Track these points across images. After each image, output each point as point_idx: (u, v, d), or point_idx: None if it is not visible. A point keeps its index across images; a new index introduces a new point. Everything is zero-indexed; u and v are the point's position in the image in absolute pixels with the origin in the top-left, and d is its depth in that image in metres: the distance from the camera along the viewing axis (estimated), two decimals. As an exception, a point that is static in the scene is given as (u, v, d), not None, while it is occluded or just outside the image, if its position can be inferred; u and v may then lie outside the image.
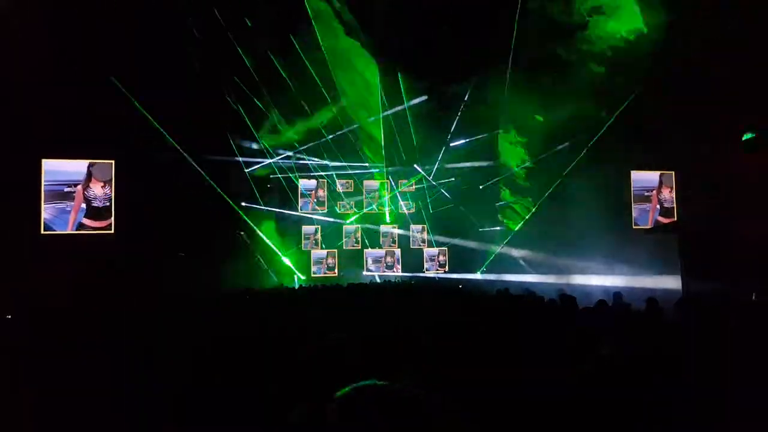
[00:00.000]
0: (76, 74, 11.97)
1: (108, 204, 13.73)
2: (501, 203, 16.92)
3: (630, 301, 7.25)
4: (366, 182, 17.19)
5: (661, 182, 16.76)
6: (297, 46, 14.94)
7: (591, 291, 11.29)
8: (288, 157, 15.97)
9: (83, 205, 13.57)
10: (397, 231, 17.14)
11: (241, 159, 14.96)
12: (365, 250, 17.04)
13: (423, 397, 1.13)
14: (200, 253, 13.43)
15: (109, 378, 3.44)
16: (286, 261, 15.80)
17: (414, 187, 17.39)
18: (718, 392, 2.90)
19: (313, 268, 16.44)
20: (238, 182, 14.99)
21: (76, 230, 13.44)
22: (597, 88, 13.93)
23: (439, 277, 17.12)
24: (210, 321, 5.83)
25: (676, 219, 16.52)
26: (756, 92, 11.80)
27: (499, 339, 4.10)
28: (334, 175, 16.72)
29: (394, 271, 17.08)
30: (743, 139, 13.70)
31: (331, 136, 15.96)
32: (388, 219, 17.34)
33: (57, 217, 13.37)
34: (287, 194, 15.83)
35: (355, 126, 16.26)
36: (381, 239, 17.24)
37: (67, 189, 13.49)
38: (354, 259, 16.91)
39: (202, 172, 13.99)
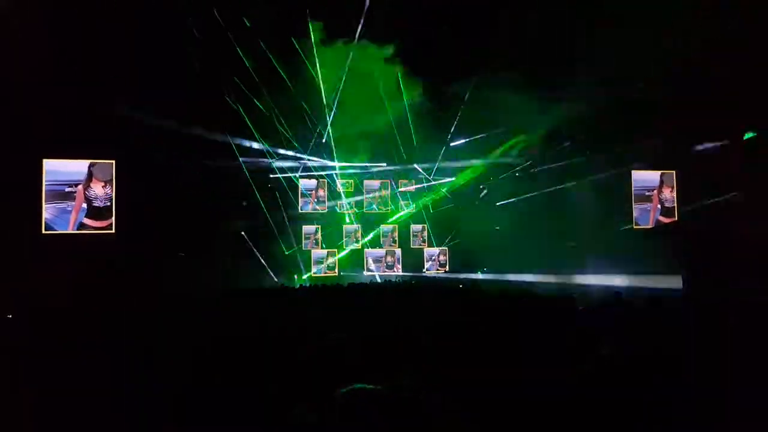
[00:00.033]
0: (76, 74, 11.97)
1: (109, 204, 13.73)
2: (503, 202, 16.92)
3: (630, 302, 7.24)
4: (366, 182, 17.19)
5: (662, 182, 16.76)
6: (297, 47, 14.95)
7: (591, 291, 11.29)
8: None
9: (84, 205, 13.58)
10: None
11: (241, 159, 14.95)
12: (365, 249, 17.05)
13: (415, 399, 1.14)
14: (200, 253, 13.43)
15: (109, 378, 3.44)
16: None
17: (414, 186, 17.38)
18: (718, 392, 2.90)
19: (314, 268, 16.44)
20: (238, 182, 14.96)
21: (77, 230, 13.45)
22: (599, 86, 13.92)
23: (439, 277, 17.13)
24: (210, 321, 5.83)
25: (676, 219, 16.52)
26: (756, 92, 11.79)
27: (499, 339, 4.10)
28: (334, 175, 16.72)
29: (394, 271, 17.08)
30: (744, 138, 13.70)
31: (330, 136, 15.97)
32: (388, 219, 17.34)
33: (58, 217, 13.38)
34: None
35: (354, 125, 16.25)
36: (381, 239, 17.24)
37: (68, 189, 13.50)
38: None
39: (202, 172, 13.99)
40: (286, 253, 15.91)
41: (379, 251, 17.15)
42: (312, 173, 16.55)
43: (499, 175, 16.99)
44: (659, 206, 16.68)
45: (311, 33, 15.05)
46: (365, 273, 16.83)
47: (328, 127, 15.91)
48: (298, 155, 16.08)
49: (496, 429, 2.71)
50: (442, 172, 17.18)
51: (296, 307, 7.66)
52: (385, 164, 17.03)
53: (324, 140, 16.11)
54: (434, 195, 17.42)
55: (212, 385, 3.26)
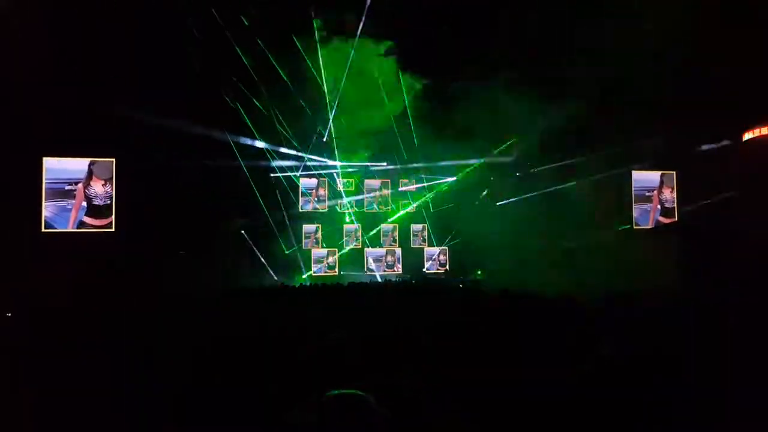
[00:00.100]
0: (76, 74, 11.97)
1: (109, 202, 13.74)
2: (501, 202, 16.91)
3: (630, 302, 7.24)
4: (367, 181, 17.19)
5: (662, 182, 16.77)
6: (298, 45, 14.94)
7: (591, 291, 11.26)
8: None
9: (84, 204, 13.59)
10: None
11: (241, 159, 14.94)
12: (366, 249, 17.04)
13: (408, 403, 1.16)
14: (200, 253, 13.42)
15: (109, 378, 3.44)
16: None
17: (414, 186, 17.38)
18: (718, 392, 2.90)
19: (314, 267, 16.44)
20: (238, 181, 14.94)
21: (77, 228, 13.46)
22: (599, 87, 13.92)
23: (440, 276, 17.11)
24: (210, 321, 5.83)
25: (676, 219, 16.53)
26: (756, 92, 11.80)
27: (499, 339, 4.11)
28: (335, 174, 16.72)
29: (394, 270, 17.07)
30: (744, 139, 13.70)
31: (331, 135, 15.97)
32: (389, 218, 17.33)
33: (58, 215, 13.39)
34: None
35: (355, 124, 16.24)
36: (381, 238, 17.23)
37: (67, 187, 13.50)
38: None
39: (202, 171, 13.97)
40: (287, 252, 15.91)
41: (380, 251, 17.15)
42: (312, 172, 16.55)
43: (498, 175, 16.99)
44: (659, 206, 16.69)
45: (313, 32, 15.06)
46: (365, 272, 16.82)
47: (329, 126, 15.91)
48: (299, 154, 16.07)
49: (496, 429, 2.71)
50: (443, 172, 17.16)
51: (296, 307, 7.66)
52: (385, 163, 17.02)
53: (324, 139, 16.10)
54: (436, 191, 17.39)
55: (212, 385, 3.26)
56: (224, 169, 14.53)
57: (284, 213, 15.90)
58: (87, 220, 13.59)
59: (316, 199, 16.67)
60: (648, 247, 13.57)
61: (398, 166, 17.03)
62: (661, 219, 16.64)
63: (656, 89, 13.26)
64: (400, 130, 16.34)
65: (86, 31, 11.95)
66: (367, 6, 14.30)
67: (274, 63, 14.75)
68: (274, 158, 15.72)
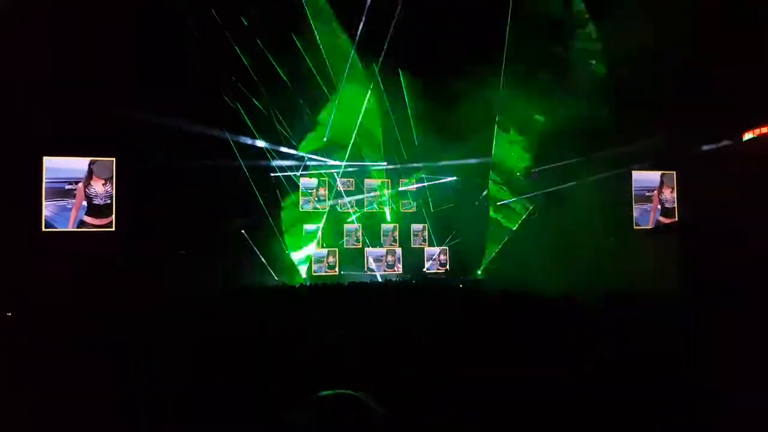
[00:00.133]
0: (76, 74, 11.98)
1: (109, 202, 13.75)
2: (501, 203, 16.91)
3: (630, 302, 7.24)
4: (367, 181, 17.19)
5: (662, 182, 16.77)
6: (298, 44, 14.94)
7: (591, 291, 11.25)
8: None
9: (84, 203, 13.60)
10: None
11: (241, 158, 14.94)
12: (366, 248, 17.04)
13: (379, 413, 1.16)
14: (200, 253, 13.42)
15: (109, 378, 3.44)
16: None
17: (415, 186, 17.38)
18: (718, 392, 2.90)
19: (314, 267, 16.43)
20: (238, 181, 14.93)
21: (77, 228, 13.47)
22: (597, 87, 13.94)
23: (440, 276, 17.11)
24: (210, 321, 5.83)
25: (677, 219, 16.54)
26: (756, 92, 11.80)
27: (499, 339, 4.11)
28: (335, 174, 16.71)
29: (394, 270, 17.07)
30: (745, 139, 13.71)
31: (331, 135, 15.97)
32: (389, 218, 17.33)
33: (58, 215, 13.40)
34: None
35: (354, 123, 16.24)
36: (382, 238, 17.24)
37: (68, 186, 13.51)
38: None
39: (202, 171, 13.97)
40: (287, 251, 15.90)
41: (380, 250, 17.15)
42: (312, 172, 16.54)
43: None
44: (659, 207, 16.69)
45: (313, 31, 15.07)
46: (366, 272, 16.81)
47: (329, 125, 15.91)
48: (299, 154, 16.07)
49: (496, 429, 2.71)
50: (443, 171, 17.17)
51: (296, 306, 7.66)
52: (385, 163, 17.02)
53: (325, 139, 16.10)
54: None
55: (212, 385, 3.26)
56: (224, 169, 14.53)
57: (284, 212, 15.90)
58: (87, 219, 13.59)
59: (316, 198, 16.67)
60: (648, 247, 13.57)
61: (398, 166, 17.03)
62: (662, 219, 16.65)
63: (656, 89, 13.27)
64: (400, 130, 16.36)
65: (86, 31, 11.96)
66: (368, 5, 14.31)
67: (274, 62, 14.76)
68: (274, 158, 15.72)
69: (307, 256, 16.23)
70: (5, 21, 11.07)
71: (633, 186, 16.54)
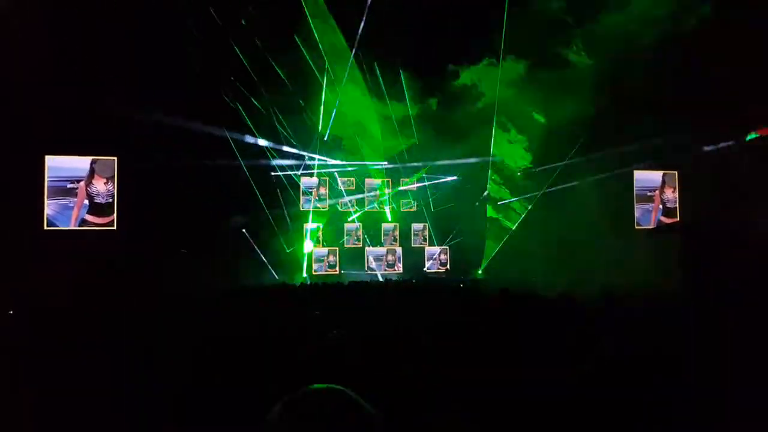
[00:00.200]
0: (76, 74, 11.99)
1: (110, 200, 13.78)
2: (501, 202, 16.91)
3: (630, 302, 7.23)
4: (367, 180, 17.19)
5: (663, 182, 16.76)
6: (299, 43, 14.95)
7: (591, 291, 11.25)
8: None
9: (86, 201, 13.63)
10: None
11: (241, 158, 14.94)
12: (366, 248, 17.05)
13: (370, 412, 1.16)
14: (200, 253, 13.43)
15: (109, 378, 3.44)
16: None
17: (416, 185, 17.38)
18: (718, 392, 2.90)
19: (314, 266, 16.43)
20: (238, 180, 14.93)
21: (79, 226, 13.50)
22: (597, 85, 13.92)
23: (440, 276, 17.11)
24: (210, 321, 5.83)
25: (678, 219, 16.52)
26: (757, 92, 11.79)
27: (499, 339, 4.10)
28: (335, 173, 16.72)
29: (395, 270, 17.07)
30: (746, 139, 13.70)
31: (331, 134, 15.99)
32: (389, 217, 17.33)
33: (60, 213, 13.44)
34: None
35: (354, 122, 16.26)
36: (382, 237, 17.24)
37: (69, 185, 13.55)
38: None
39: (203, 170, 13.98)
40: (287, 251, 15.91)
41: (381, 250, 17.15)
42: (313, 171, 16.55)
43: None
44: (660, 206, 16.68)
45: (314, 30, 15.07)
46: (366, 272, 16.81)
47: (330, 125, 15.92)
48: (299, 153, 16.08)
49: (496, 429, 2.71)
50: (444, 171, 17.17)
51: (296, 306, 7.66)
52: (386, 162, 17.03)
53: (326, 138, 16.11)
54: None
55: (212, 385, 3.26)
56: (225, 168, 14.54)
57: (285, 211, 15.91)
58: (89, 218, 13.64)
59: (317, 198, 16.68)
60: (649, 246, 13.57)
61: (399, 165, 17.04)
62: (663, 219, 16.64)
63: (657, 89, 13.26)
64: (401, 129, 16.36)
65: (86, 31, 11.97)
66: (368, 4, 14.31)
67: (275, 62, 14.76)
68: (274, 157, 15.73)
69: (308, 254, 16.25)
70: (5, 21, 11.08)
71: (635, 186, 16.53)
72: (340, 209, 16.93)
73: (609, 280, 8.80)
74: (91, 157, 13.69)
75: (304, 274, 16.07)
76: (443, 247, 17.49)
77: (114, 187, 13.79)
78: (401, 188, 17.34)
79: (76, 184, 13.58)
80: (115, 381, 3.41)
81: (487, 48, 14.78)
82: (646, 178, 16.68)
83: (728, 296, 5.76)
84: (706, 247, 10.59)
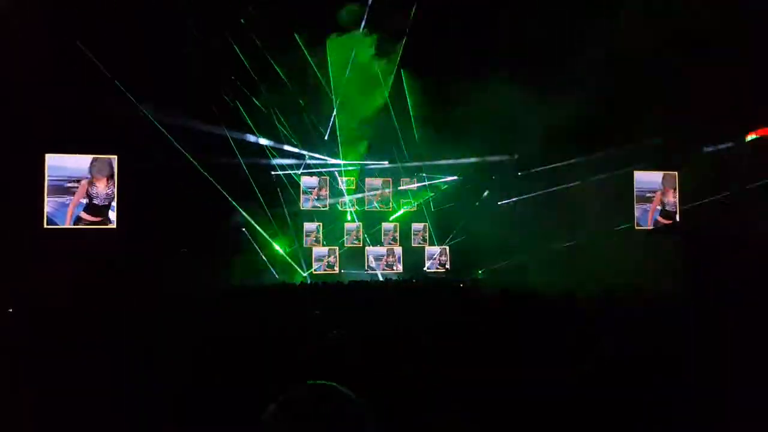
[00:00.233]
0: (76, 74, 12.00)
1: (108, 203, 13.79)
2: (501, 202, 16.90)
3: (630, 302, 7.23)
4: (368, 180, 17.18)
5: (663, 183, 16.75)
6: (299, 42, 14.95)
7: (591, 291, 11.24)
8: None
9: (83, 200, 13.65)
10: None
11: (241, 157, 14.94)
12: (366, 248, 17.04)
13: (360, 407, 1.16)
14: (201, 253, 13.43)
15: (109, 378, 3.44)
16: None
17: (416, 185, 17.38)
18: (718, 392, 2.90)
19: (314, 266, 16.43)
20: (238, 180, 14.92)
21: (74, 224, 13.51)
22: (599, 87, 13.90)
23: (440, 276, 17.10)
24: (210, 321, 5.83)
25: (677, 219, 16.52)
26: (757, 92, 11.79)
27: (499, 339, 4.10)
28: (336, 173, 16.71)
29: (395, 270, 17.06)
30: (747, 140, 13.70)
31: (332, 134, 15.99)
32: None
33: (58, 211, 13.47)
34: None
35: (354, 122, 16.25)
36: (382, 237, 17.23)
37: (68, 184, 13.57)
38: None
39: (202, 171, 13.97)
40: (287, 250, 15.91)
41: (381, 249, 17.14)
42: (313, 170, 16.55)
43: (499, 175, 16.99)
44: (659, 207, 16.67)
45: (314, 29, 15.08)
46: (366, 271, 16.81)
47: (330, 124, 15.92)
48: (300, 152, 16.07)
49: (496, 429, 2.71)
50: (444, 170, 17.17)
51: (296, 306, 7.66)
52: (386, 162, 17.02)
53: (326, 138, 16.11)
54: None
55: (212, 385, 3.26)
56: (225, 168, 14.54)
57: (285, 211, 15.91)
58: (84, 215, 13.64)
59: (317, 197, 16.67)
60: (648, 247, 13.57)
61: (399, 165, 17.03)
62: (660, 219, 16.63)
63: (657, 89, 13.25)
64: (402, 129, 16.35)
65: (86, 31, 11.98)
66: (369, 4, 14.32)
67: (273, 63, 14.76)
68: (274, 156, 15.73)
69: (308, 253, 16.25)
70: (5, 21, 11.08)
71: (635, 186, 16.53)
72: (340, 209, 16.94)
73: (609, 281, 8.81)
74: (91, 156, 13.70)
75: (304, 274, 16.07)
76: (443, 247, 17.49)
77: (114, 190, 13.80)
78: (401, 188, 17.35)
79: (75, 184, 13.59)
80: (115, 381, 3.41)
81: (489, 47, 14.74)
82: (646, 179, 16.68)
83: (728, 296, 5.76)
84: (705, 247, 10.59)
